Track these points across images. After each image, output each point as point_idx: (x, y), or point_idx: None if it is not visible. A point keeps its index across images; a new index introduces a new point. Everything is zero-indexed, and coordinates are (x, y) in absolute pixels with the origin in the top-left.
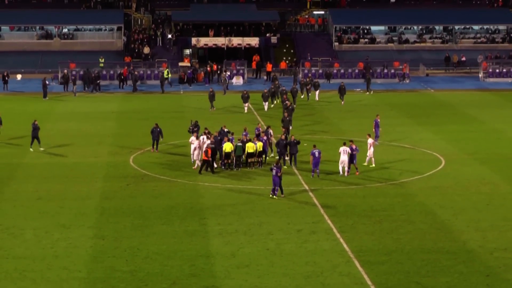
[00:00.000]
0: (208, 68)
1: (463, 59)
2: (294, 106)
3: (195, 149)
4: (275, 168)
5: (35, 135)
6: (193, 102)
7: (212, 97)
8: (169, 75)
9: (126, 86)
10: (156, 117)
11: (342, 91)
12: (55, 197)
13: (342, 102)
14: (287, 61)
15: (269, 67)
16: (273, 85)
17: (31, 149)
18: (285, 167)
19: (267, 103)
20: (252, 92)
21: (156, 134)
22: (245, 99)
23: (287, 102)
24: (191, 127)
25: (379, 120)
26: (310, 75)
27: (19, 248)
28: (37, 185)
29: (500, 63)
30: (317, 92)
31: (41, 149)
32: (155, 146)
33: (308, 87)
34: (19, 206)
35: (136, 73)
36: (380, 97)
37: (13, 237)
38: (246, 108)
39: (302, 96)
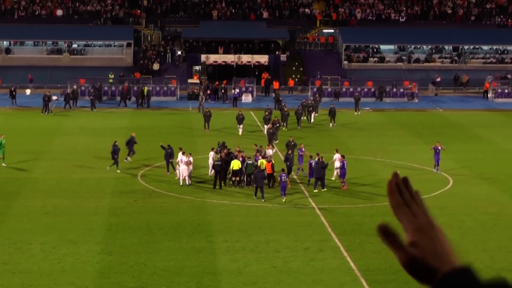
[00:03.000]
0: (216, 85)
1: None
2: (283, 127)
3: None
4: (283, 174)
5: (116, 159)
6: (200, 120)
7: (208, 117)
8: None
9: (129, 103)
10: (165, 133)
11: (332, 113)
12: (63, 212)
13: (332, 125)
14: (296, 79)
15: (276, 85)
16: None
17: (118, 171)
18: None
19: (268, 125)
20: (261, 109)
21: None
22: (240, 120)
23: (270, 126)
24: (218, 148)
25: (440, 147)
26: (317, 95)
27: (26, 263)
28: (45, 200)
29: (509, 83)
30: (312, 114)
31: (118, 171)
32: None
33: (310, 109)
34: (26, 221)
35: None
36: (389, 116)
37: (21, 252)
38: (240, 130)
39: (304, 118)
